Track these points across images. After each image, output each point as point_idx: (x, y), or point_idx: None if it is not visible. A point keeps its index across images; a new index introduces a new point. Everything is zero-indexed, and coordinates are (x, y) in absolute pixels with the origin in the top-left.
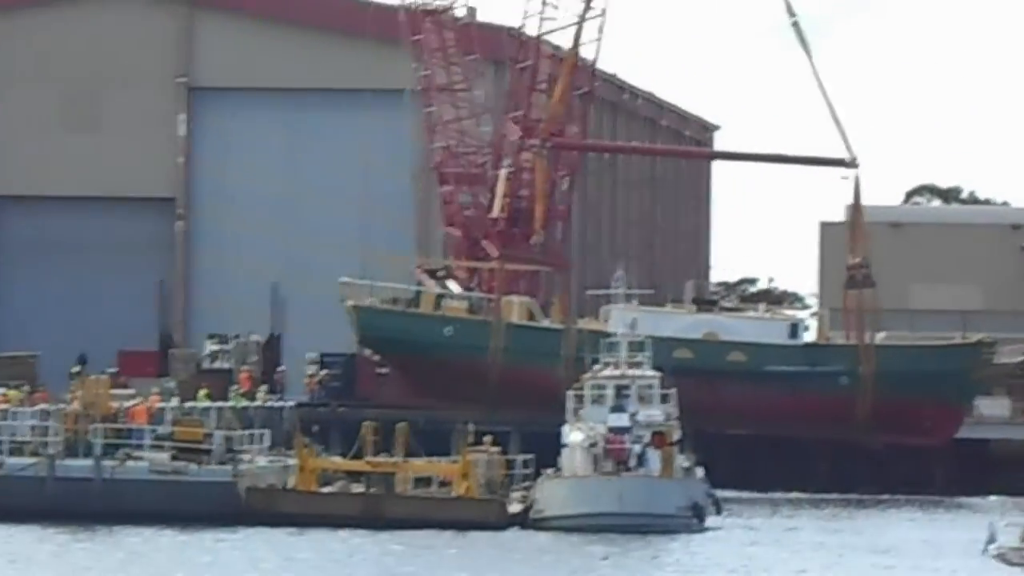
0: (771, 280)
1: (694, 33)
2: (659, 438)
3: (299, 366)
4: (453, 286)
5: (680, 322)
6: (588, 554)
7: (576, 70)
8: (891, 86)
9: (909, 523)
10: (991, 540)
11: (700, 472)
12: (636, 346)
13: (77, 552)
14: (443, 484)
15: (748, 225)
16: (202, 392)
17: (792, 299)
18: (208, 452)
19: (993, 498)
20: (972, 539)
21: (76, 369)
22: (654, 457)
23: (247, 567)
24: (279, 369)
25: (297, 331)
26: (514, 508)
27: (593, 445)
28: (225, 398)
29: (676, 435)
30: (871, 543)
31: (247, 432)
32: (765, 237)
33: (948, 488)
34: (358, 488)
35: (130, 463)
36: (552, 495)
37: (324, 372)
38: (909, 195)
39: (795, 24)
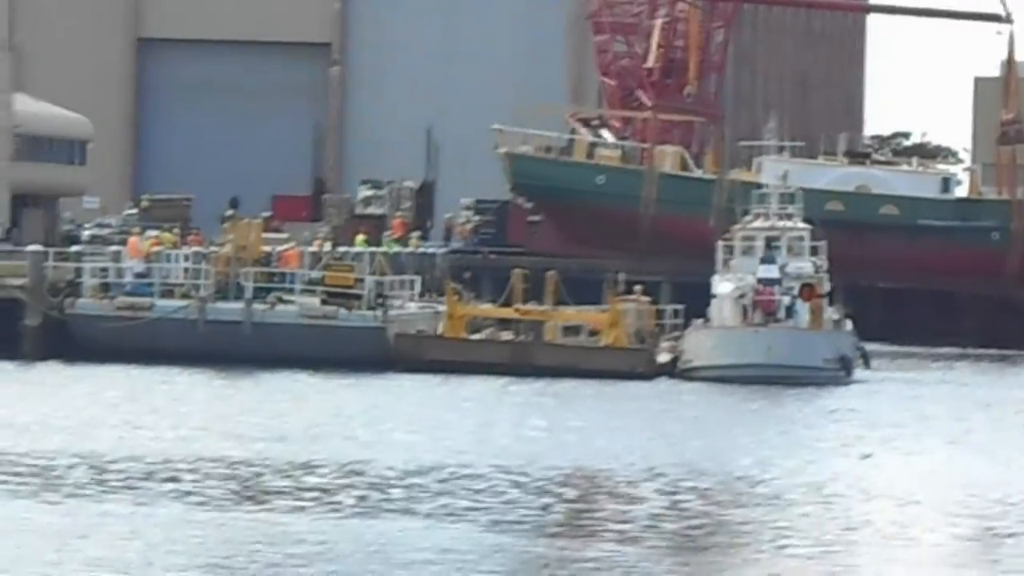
0: (924, 134)
1: None
2: (808, 290)
3: (453, 212)
4: (607, 135)
5: (832, 174)
6: (734, 407)
7: None
8: None
9: None
10: None
11: (849, 325)
12: (787, 198)
13: (233, 394)
14: (592, 333)
15: (903, 80)
16: (360, 237)
17: (946, 153)
18: (358, 297)
19: None
20: None
21: (228, 212)
22: (803, 309)
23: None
24: (447, 216)
25: (450, 178)
26: (663, 358)
27: (742, 296)
28: (379, 244)
29: (825, 287)
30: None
31: (398, 278)
32: (919, 92)
33: None
34: (507, 335)
35: (280, 307)
36: (700, 345)
37: (477, 219)
38: None
39: None
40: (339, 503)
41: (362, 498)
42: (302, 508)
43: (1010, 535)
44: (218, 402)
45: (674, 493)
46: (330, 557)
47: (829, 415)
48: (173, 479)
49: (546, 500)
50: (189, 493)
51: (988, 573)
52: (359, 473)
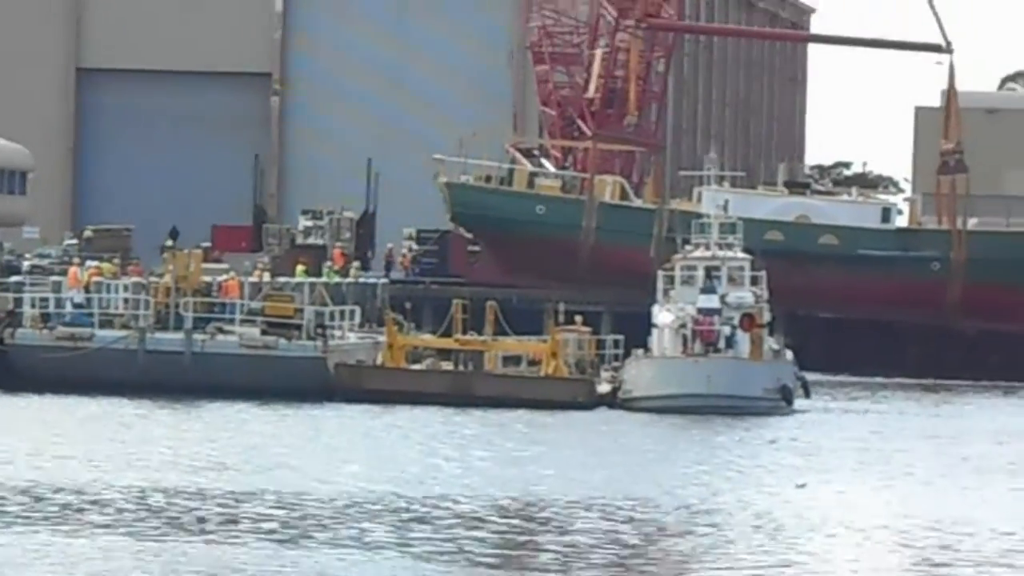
0: (865, 164)
1: None
2: (748, 320)
3: (393, 242)
4: (547, 165)
5: (772, 204)
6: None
7: None
8: None
9: (1002, 408)
10: None
11: (789, 355)
12: (727, 228)
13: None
14: (532, 363)
15: (843, 109)
16: (300, 267)
17: (886, 183)
18: (298, 327)
19: None
20: None
21: (168, 243)
22: (743, 339)
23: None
24: (388, 246)
25: (391, 208)
26: (603, 388)
27: (682, 326)
28: (319, 274)
29: (765, 317)
30: (964, 426)
31: (338, 308)
32: (860, 121)
33: None
34: (447, 366)
35: (220, 337)
36: (640, 375)
37: (417, 248)
38: (1004, 81)
39: None
40: (274, 533)
41: (296, 528)
42: (237, 538)
43: (940, 564)
44: (153, 432)
45: (610, 522)
46: None
47: (768, 445)
48: (108, 509)
49: (481, 531)
50: (124, 523)
51: None
52: (294, 504)
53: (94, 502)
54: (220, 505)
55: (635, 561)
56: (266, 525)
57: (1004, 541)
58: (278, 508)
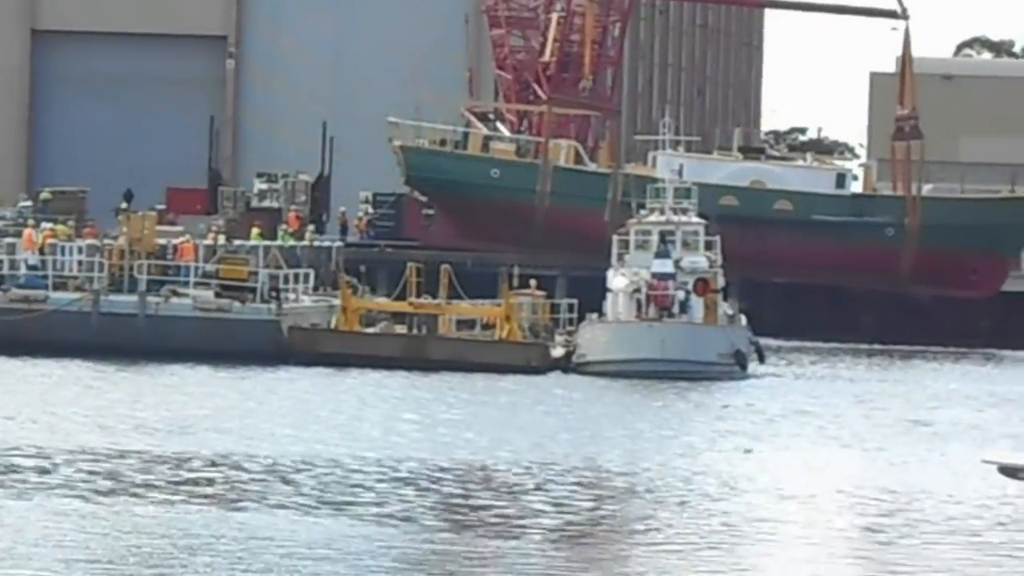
0: (820, 130)
1: None
2: (703, 285)
3: (348, 206)
4: (503, 129)
5: (726, 169)
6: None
7: None
8: None
9: (955, 374)
10: None
11: (743, 320)
12: (682, 192)
13: (117, 386)
14: (486, 327)
15: (799, 75)
16: (254, 230)
17: (842, 149)
18: (252, 290)
19: None
20: (1018, 392)
21: (123, 205)
22: (697, 304)
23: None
24: (341, 209)
25: (346, 171)
26: (557, 352)
27: (637, 291)
28: (274, 237)
29: (720, 283)
30: (914, 392)
31: (293, 271)
32: (816, 87)
33: (994, 340)
34: (401, 329)
35: (174, 300)
36: (594, 340)
37: (373, 212)
38: (960, 47)
39: None
40: (218, 496)
41: (240, 491)
42: (181, 501)
43: (880, 529)
44: (100, 394)
45: (558, 487)
46: (207, 550)
47: (720, 410)
48: (50, 472)
49: (429, 494)
50: (66, 486)
51: (861, 566)
52: (238, 466)
53: (32, 466)
54: (167, 467)
55: (581, 526)
56: (205, 488)
57: (947, 507)
58: (221, 470)
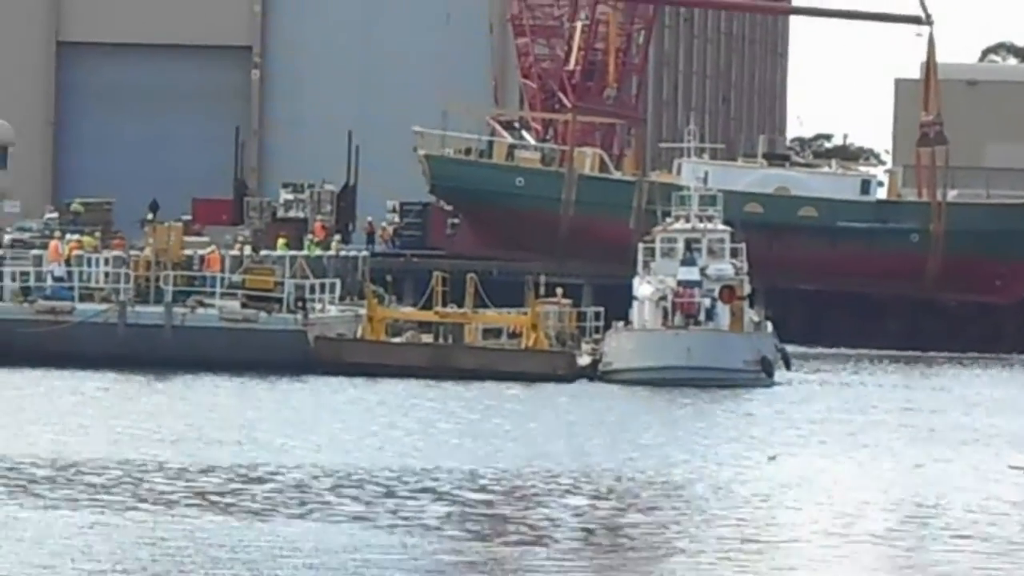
0: (846, 136)
1: None
2: (728, 292)
3: (374, 215)
4: (528, 137)
5: (751, 176)
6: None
7: None
8: None
9: (981, 380)
10: None
11: (769, 327)
12: (707, 200)
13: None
14: (513, 335)
15: (825, 82)
16: (280, 240)
17: (867, 155)
18: (279, 301)
19: None
20: None
21: (148, 216)
22: (723, 311)
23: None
24: (368, 219)
25: (373, 180)
26: (583, 360)
27: (663, 298)
28: (300, 247)
29: (746, 289)
30: (943, 398)
31: (319, 281)
32: (841, 93)
33: (1020, 346)
34: (427, 338)
35: (200, 310)
36: (621, 348)
37: (398, 221)
38: (985, 53)
39: None
40: (242, 506)
41: (263, 501)
42: (205, 511)
43: (905, 536)
44: (125, 406)
45: (582, 495)
46: (232, 561)
47: (746, 417)
48: (74, 483)
49: (452, 503)
50: (90, 498)
51: (889, 574)
52: (262, 477)
53: (57, 477)
54: (192, 478)
55: (607, 533)
56: (233, 498)
57: (975, 514)
58: (246, 480)
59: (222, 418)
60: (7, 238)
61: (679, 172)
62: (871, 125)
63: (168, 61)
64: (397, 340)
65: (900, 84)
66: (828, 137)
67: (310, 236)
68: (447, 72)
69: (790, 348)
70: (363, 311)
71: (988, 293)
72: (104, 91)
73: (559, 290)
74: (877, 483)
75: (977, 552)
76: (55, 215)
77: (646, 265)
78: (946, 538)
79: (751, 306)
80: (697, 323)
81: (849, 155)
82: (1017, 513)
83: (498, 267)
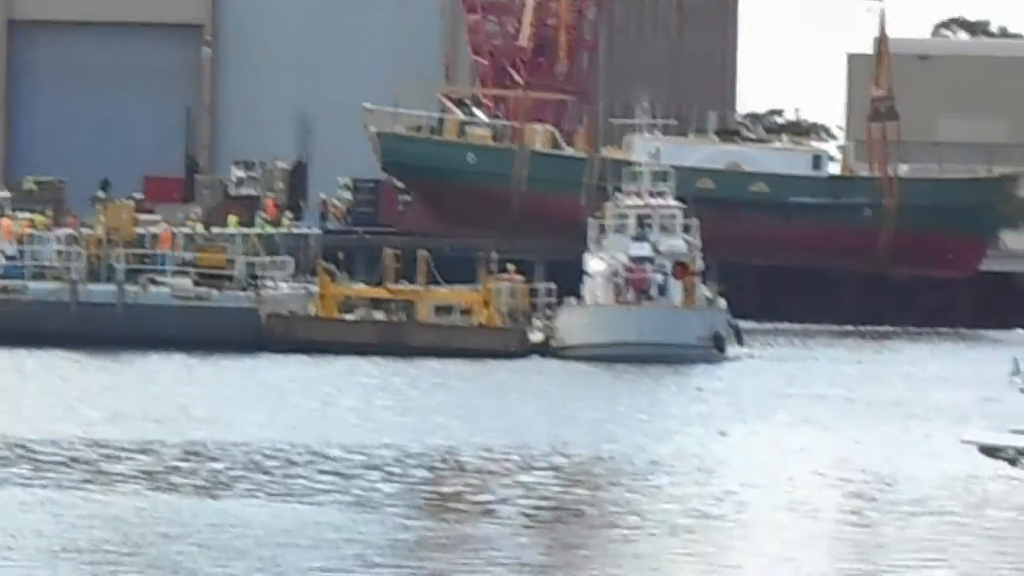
0: (798, 111)
1: None
2: (681, 268)
3: (326, 192)
4: (479, 114)
5: (703, 152)
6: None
7: None
8: None
9: (933, 355)
10: (1015, 372)
11: (722, 303)
12: (659, 176)
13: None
14: (464, 312)
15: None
16: (232, 218)
17: (819, 131)
18: (231, 278)
19: (1021, 331)
20: (996, 371)
21: (100, 194)
22: (675, 287)
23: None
24: (321, 196)
25: (325, 158)
26: (535, 337)
27: (615, 275)
28: (252, 224)
29: (698, 265)
30: (895, 373)
31: (271, 259)
32: (793, 69)
33: (973, 320)
34: (379, 316)
35: (152, 288)
36: (573, 324)
37: (350, 199)
38: (937, 28)
39: None
40: (193, 483)
41: (214, 478)
42: (156, 489)
43: (857, 511)
44: (76, 383)
45: (530, 470)
46: (182, 537)
47: (697, 393)
48: (25, 461)
49: (401, 480)
50: (41, 475)
51: (838, 547)
52: (212, 455)
53: (12, 454)
54: (142, 455)
55: (554, 509)
56: (184, 476)
57: (925, 488)
58: (196, 458)
59: (172, 396)
60: None
61: (631, 148)
62: (823, 100)
63: (120, 39)
64: (349, 317)
65: (852, 59)
66: (780, 112)
67: (262, 214)
68: (398, 49)
69: (743, 324)
70: (315, 288)
71: (941, 267)
72: (56, 69)
73: (511, 266)
74: (826, 458)
75: (925, 527)
76: (7, 194)
77: (598, 241)
78: (895, 512)
79: (703, 282)
80: (649, 299)
81: (801, 130)
82: (967, 487)
83: (450, 244)
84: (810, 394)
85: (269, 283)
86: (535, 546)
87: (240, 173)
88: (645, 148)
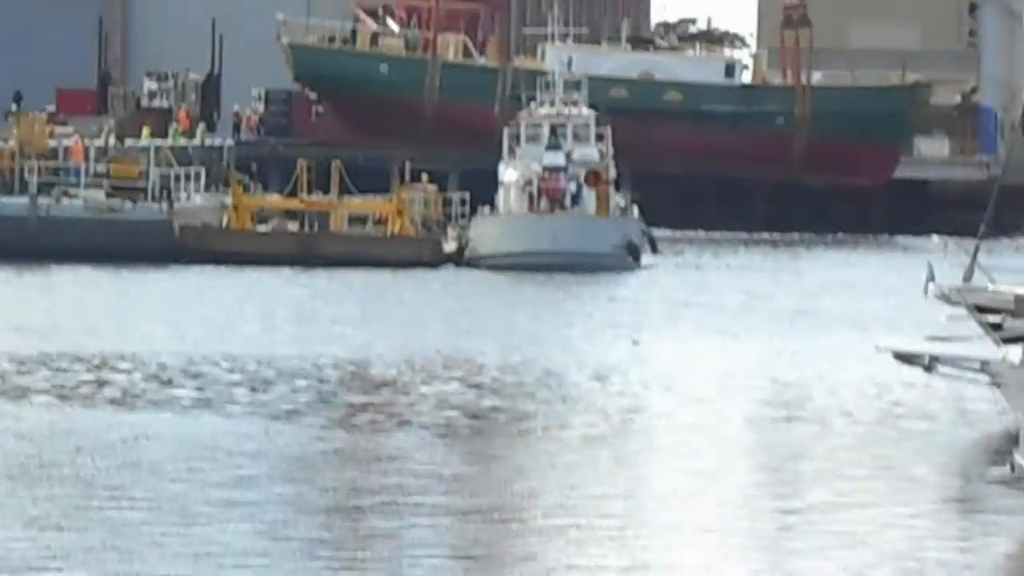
0: (710, 20)
1: None
2: (594, 177)
3: (240, 104)
4: (392, 24)
5: (616, 61)
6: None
7: None
8: None
9: (847, 262)
10: (930, 278)
11: (635, 211)
12: (572, 85)
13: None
14: (378, 222)
15: None
16: (145, 130)
17: (731, 39)
18: (143, 190)
19: (935, 238)
20: (910, 278)
21: (12, 107)
22: (589, 196)
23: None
24: (235, 108)
25: (236, 69)
26: (449, 247)
27: (528, 184)
28: (165, 136)
29: (611, 174)
30: (809, 281)
31: (183, 170)
32: None
33: (887, 228)
34: (293, 227)
35: (65, 201)
36: (487, 233)
37: (263, 110)
38: None
39: None
40: (102, 396)
41: (123, 391)
42: (64, 402)
43: (771, 420)
44: None
45: (443, 381)
46: (92, 451)
47: (610, 302)
48: None
49: (310, 392)
50: None
51: (750, 456)
52: (119, 367)
53: None
54: (48, 369)
55: (467, 419)
56: (92, 389)
57: (837, 394)
58: (105, 371)
59: (84, 308)
60: None
61: (543, 58)
62: (736, 8)
63: None
64: (263, 228)
65: None
66: (692, 21)
67: (174, 125)
68: None
69: (657, 232)
70: (229, 200)
71: (854, 175)
72: None
73: (425, 176)
74: (740, 367)
75: (839, 433)
76: None
77: (511, 151)
78: (810, 420)
79: (617, 190)
80: (563, 208)
81: (713, 39)
82: (880, 394)
83: (363, 154)
84: (723, 303)
85: (182, 195)
86: (443, 457)
87: (153, 85)
88: (558, 57)
